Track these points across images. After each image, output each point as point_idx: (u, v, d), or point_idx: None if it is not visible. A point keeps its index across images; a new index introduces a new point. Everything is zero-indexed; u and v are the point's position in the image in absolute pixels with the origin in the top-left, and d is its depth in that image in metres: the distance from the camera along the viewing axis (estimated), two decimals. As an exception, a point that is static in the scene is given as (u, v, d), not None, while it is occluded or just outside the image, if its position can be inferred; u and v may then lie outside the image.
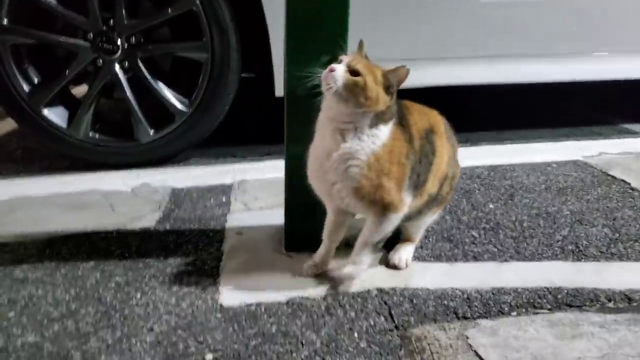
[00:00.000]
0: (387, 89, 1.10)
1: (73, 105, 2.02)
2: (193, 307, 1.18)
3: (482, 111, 2.89)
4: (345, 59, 1.11)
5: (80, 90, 2.28)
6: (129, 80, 1.96)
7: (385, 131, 1.12)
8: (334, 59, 1.17)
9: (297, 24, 1.22)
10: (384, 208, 1.14)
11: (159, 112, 1.98)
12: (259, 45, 1.97)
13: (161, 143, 2.00)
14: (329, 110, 1.14)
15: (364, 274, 1.26)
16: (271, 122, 2.56)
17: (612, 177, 1.88)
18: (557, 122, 2.60)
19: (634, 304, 1.17)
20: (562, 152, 2.15)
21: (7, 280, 1.29)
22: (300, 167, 1.32)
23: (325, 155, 1.14)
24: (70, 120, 1.98)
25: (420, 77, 1.97)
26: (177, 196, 1.75)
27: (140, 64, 1.95)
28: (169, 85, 1.99)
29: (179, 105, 1.97)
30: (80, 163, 2.02)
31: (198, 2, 1.85)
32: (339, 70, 1.07)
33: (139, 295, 1.22)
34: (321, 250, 1.28)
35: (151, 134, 1.98)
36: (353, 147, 1.11)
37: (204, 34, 1.90)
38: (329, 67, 1.09)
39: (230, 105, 2.01)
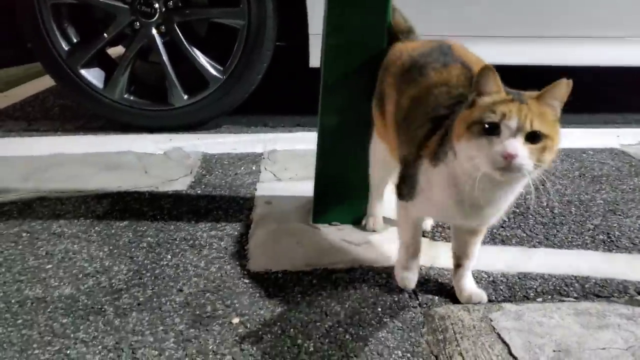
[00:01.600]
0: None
1: (110, 67, 2.05)
2: (222, 272, 1.21)
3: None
4: (514, 112, 0.82)
5: (117, 51, 2.31)
6: (165, 45, 1.98)
7: None
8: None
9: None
10: None
11: (193, 77, 1.99)
12: (294, 13, 1.95)
13: (194, 108, 2.02)
14: (496, 178, 0.86)
15: (389, 249, 1.26)
16: (302, 93, 2.56)
17: (651, 167, 1.83)
18: (595, 108, 2.52)
19: (664, 298, 1.15)
20: (599, 139, 2.09)
21: (45, 234, 1.34)
22: (333, 140, 1.32)
23: (477, 209, 0.94)
24: (106, 81, 2.01)
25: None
26: (209, 162, 1.78)
27: (177, 29, 1.95)
28: (204, 51, 2.00)
29: (213, 72, 1.98)
30: (115, 124, 2.06)
31: (236, -33, 1.84)
32: (522, 152, 0.81)
33: (169, 257, 1.26)
34: (410, 251, 1.13)
35: (185, 98, 2.00)
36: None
37: (241, 1, 1.88)
38: (504, 152, 0.80)
39: (263, 74, 2.01)
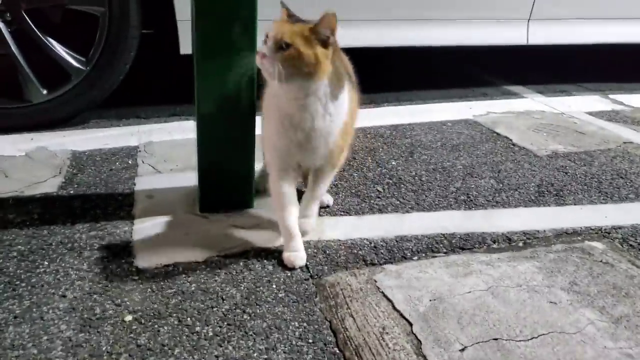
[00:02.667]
0: (324, 43, 1.07)
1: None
2: (107, 272, 1.16)
3: (385, 74, 3.02)
4: (270, 34, 1.06)
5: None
6: (13, 35, 1.79)
7: (345, 97, 1.15)
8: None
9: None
10: (338, 161, 1.24)
11: (53, 70, 1.83)
12: (160, 1, 1.88)
13: (56, 104, 1.86)
14: (284, 93, 1.11)
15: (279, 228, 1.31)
16: (175, 81, 2.48)
17: (497, 134, 2.09)
18: (451, 84, 2.80)
19: (513, 243, 1.35)
20: (456, 111, 2.34)
21: None
22: (213, 126, 1.32)
23: (302, 133, 1.13)
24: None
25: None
26: (79, 160, 1.67)
27: (25, 16, 1.78)
28: (62, 41, 1.84)
29: (74, 63, 1.84)
30: (-39, 126, 1.83)
31: (90, -51, 1.71)
32: (269, 52, 1.04)
33: (46, 263, 1.17)
34: (288, 235, 1.22)
35: (44, 93, 1.84)
36: (327, 124, 1.13)
37: (99, -15, 1.77)
38: (258, 54, 1.06)
39: (131, 63, 1.91)
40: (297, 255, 1.20)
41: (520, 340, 1.01)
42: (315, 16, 1.07)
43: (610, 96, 2.75)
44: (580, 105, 2.54)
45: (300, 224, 1.24)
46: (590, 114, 2.42)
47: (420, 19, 2.32)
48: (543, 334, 1.03)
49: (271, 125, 1.18)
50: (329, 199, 1.48)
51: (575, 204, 1.57)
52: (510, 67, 3.23)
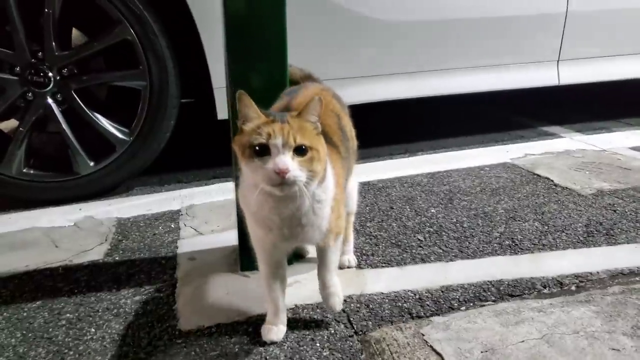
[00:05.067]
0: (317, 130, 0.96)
1: (3, 142, 1.94)
2: (151, 336, 1.16)
3: (418, 122, 3.04)
4: (275, 141, 0.88)
5: (8, 125, 2.20)
6: (63, 113, 1.91)
7: (330, 174, 1.02)
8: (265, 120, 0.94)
9: (237, 45, 1.25)
10: (338, 229, 1.09)
11: (98, 142, 1.94)
12: (197, 69, 1.98)
13: (102, 174, 1.95)
14: (281, 197, 0.93)
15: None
16: (215, 146, 2.57)
17: (538, 175, 2.04)
18: (485, 129, 2.78)
19: (565, 287, 1.28)
20: (492, 155, 2.31)
21: (-55, 330, 1.22)
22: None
23: (292, 230, 0.99)
24: (0, 158, 1.89)
25: (353, 95, 2.10)
26: (124, 226, 1.72)
27: (75, 95, 1.91)
28: (107, 114, 1.96)
29: (119, 135, 1.95)
30: (17, 201, 1.93)
31: (132, 31, 1.85)
32: (292, 166, 0.88)
33: (93, 330, 1.19)
34: (272, 309, 1.14)
35: (91, 165, 1.94)
36: (317, 214, 0.99)
37: (140, 62, 1.89)
38: (276, 168, 0.87)
39: (171, 131, 2.01)
40: (279, 330, 1.13)
41: (584, 393, 0.93)
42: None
43: (654, 129, 2.66)
44: (622, 141, 2.47)
45: (329, 303, 1.13)
46: (635, 149, 2.34)
47: (451, 69, 2.35)
48: (609, 385, 0.95)
49: (255, 224, 1.04)
50: (350, 260, 1.39)
51: (628, 243, 1.49)
52: (545, 108, 3.20)
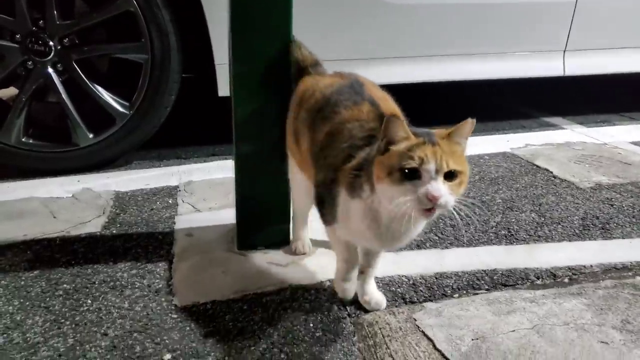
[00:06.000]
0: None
1: (2, 110, 1.93)
2: (147, 310, 1.17)
3: (420, 108, 3.02)
4: (429, 166, 0.86)
5: (8, 92, 2.18)
6: (64, 83, 1.90)
7: None
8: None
9: (241, 21, 1.24)
10: None
11: (98, 115, 1.92)
12: (199, 45, 1.96)
13: (102, 147, 1.95)
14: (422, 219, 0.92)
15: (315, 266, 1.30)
16: (214, 122, 2.56)
17: (537, 166, 2.04)
18: (487, 117, 2.77)
19: (558, 279, 1.30)
20: (493, 144, 2.30)
21: (-58, 295, 1.23)
22: (250, 165, 1.35)
23: (402, 232, 0.99)
24: (-1, 125, 1.89)
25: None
26: (122, 200, 1.72)
27: (76, 66, 1.89)
28: (108, 87, 1.95)
29: (119, 108, 1.93)
30: (15, 170, 1.93)
31: (135, 3, 1.82)
32: (444, 191, 0.87)
33: (89, 301, 1.20)
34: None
35: (90, 137, 1.93)
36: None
37: (143, 35, 1.87)
38: (429, 195, 0.85)
39: (172, 106, 1.99)
40: (349, 288, 1.18)
41: (571, 383, 0.95)
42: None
43: (656, 125, 2.66)
44: (624, 135, 2.46)
45: (370, 304, 1.16)
46: (635, 143, 2.34)
47: (458, 54, 2.33)
48: (596, 377, 0.97)
49: (361, 233, 1.03)
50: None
51: (623, 238, 1.50)
52: (548, 98, 3.19)
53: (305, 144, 1.16)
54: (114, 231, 1.52)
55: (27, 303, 1.20)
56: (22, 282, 1.28)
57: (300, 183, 1.27)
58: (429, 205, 0.86)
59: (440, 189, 0.86)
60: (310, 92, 1.18)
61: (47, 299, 1.21)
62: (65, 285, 1.26)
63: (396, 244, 1.03)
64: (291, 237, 1.42)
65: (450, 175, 0.88)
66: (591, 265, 1.35)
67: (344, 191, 1.01)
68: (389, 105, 1.11)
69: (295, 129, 1.21)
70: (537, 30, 2.42)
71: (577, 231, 1.54)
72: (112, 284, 1.27)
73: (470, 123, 0.91)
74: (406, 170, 0.87)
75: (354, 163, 1.00)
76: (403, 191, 0.87)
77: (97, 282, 1.27)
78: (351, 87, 1.13)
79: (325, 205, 1.08)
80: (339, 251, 1.15)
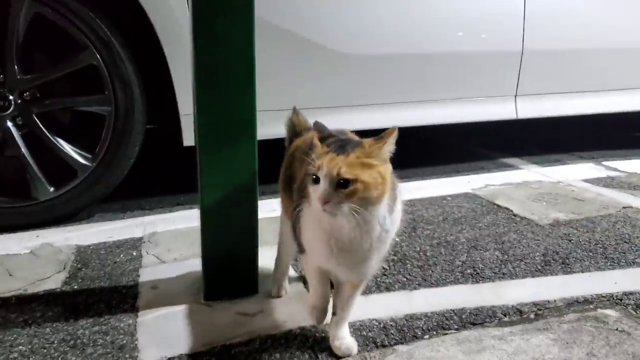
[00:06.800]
0: (384, 160, 1.00)
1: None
2: (110, 369, 1.12)
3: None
4: (321, 172, 0.95)
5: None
6: (23, 137, 1.87)
7: (399, 206, 1.08)
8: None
9: (206, 73, 1.26)
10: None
11: (59, 167, 1.89)
12: (163, 96, 1.98)
13: (63, 200, 1.90)
14: (345, 222, 0.98)
15: (284, 315, 1.29)
16: (178, 172, 2.55)
17: (498, 205, 2.11)
18: (447, 159, 2.86)
19: (524, 315, 1.32)
20: (455, 185, 2.38)
21: None
22: (216, 214, 1.34)
23: (357, 254, 1.03)
24: (-46, 181, 1.83)
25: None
26: (84, 254, 1.67)
27: (36, 119, 1.87)
28: (70, 139, 1.92)
29: (81, 160, 1.91)
30: (-32, 227, 1.85)
31: (98, 56, 1.84)
32: (330, 195, 0.94)
33: (47, 363, 1.14)
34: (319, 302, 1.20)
35: (51, 191, 1.88)
36: (382, 242, 1.04)
37: (106, 87, 1.87)
38: (319, 200, 0.94)
39: (135, 158, 1.98)
40: (320, 315, 1.20)
41: (543, 420, 0.95)
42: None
43: (604, 163, 2.80)
44: (576, 174, 2.59)
45: (341, 349, 1.16)
46: (587, 181, 2.45)
47: (416, 101, 2.43)
48: (566, 412, 0.98)
49: (318, 248, 1.07)
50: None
51: (582, 272, 1.55)
52: (505, 140, 3.33)
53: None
54: (75, 287, 1.47)
55: (-21, 369, 1.13)
56: (-26, 346, 1.21)
57: (287, 230, 1.29)
58: (322, 207, 0.95)
59: (325, 193, 0.95)
60: (300, 146, 1.25)
61: (1, 362, 1.15)
62: (20, 347, 1.20)
63: (351, 263, 1.05)
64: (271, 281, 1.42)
65: (343, 183, 0.95)
66: (555, 300, 1.38)
67: (303, 208, 1.09)
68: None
69: (287, 179, 1.26)
70: (490, 76, 2.56)
71: (539, 267, 1.58)
72: (72, 342, 1.21)
73: (395, 130, 0.98)
74: (313, 176, 0.98)
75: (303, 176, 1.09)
76: (312, 193, 0.98)
77: (56, 342, 1.22)
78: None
79: (297, 232, 1.13)
80: (310, 277, 1.19)
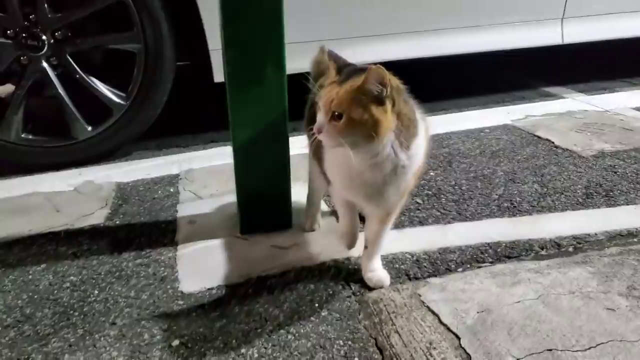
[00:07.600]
0: (378, 100, 0.94)
1: (0, 107, 1.92)
2: (154, 298, 1.18)
3: (418, 84, 2.99)
4: (320, 102, 0.97)
5: (5, 89, 2.17)
6: (59, 77, 1.89)
7: (420, 144, 1.03)
8: None
9: (232, 5, 1.22)
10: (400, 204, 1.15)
11: (95, 107, 1.92)
12: (192, 31, 1.94)
13: (100, 139, 1.94)
14: (352, 155, 0.97)
15: (317, 247, 1.31)
16: (212, 109, 2.55)
17: (538, 137, 2.03)
18: (486, 90, 2.74)
19: (562, 249, 1.29)
20: (493, 117, 2.29)
21: (-49, 293, 1.24)
22: (248, 150, 1.34)
23: (373, 188, 1.04)
24: (-2, 123, 1.88)
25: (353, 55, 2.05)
26: (124, 191, 1.73)
27: (70, 59, 1.88)
28: (103, 78, 1.93)
29: (115, 99, 1.93)
30: (17, 166, 1.93)
31: (126, -9, 1.80)
32: (325, 126, 0.95)
33: (96, 292, 1.21)
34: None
35: (89, 130, 1.93)
36: (399, 177, 1.02)
37: (135, 24, 1.85)
38: (316, 128, 0.96)
39: (168, 95, 1.98)
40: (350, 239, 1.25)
41: (577, 351, 0.96)
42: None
43: (658, 89, 2.63)
44: (625, 101, 2.44)
45: (373, 281, 1.18)
46: (638, 109, 2.31)
47: (452, 28, 2.30)
48: (602, 343, 0.97)
49: (337, 179, 1.10)
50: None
51: (627, 204, 1.50)
52: (548, 68, 3.15)
53: None
54: (117, 222, 1.53)
55: (36, 296, 1.21)
56: (30, 277, 1.29)
57: (315, 170, 1.28)
58: (317, 136, 0.97)
59: (319, 124, 0.96)
60: (323, 86, 1.21)
61: (55, 291, 1.23)
62: (72, 278, 1.27)
63: (366, 196, 1.06)
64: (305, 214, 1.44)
65: (337, 116, 0.95)
66: (595, 233, 1.35)
67: None
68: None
69: (310, 117, 1.22)
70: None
71: (580, 200, 1.53)
72: (117, 274, 1.28)
73: (375, 69, 0.92)
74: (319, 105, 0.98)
75: None
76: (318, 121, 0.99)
77: (103, 273, 1.28)
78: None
79: (322, 164, 1.15)
80: (337, 206, 1.25)
